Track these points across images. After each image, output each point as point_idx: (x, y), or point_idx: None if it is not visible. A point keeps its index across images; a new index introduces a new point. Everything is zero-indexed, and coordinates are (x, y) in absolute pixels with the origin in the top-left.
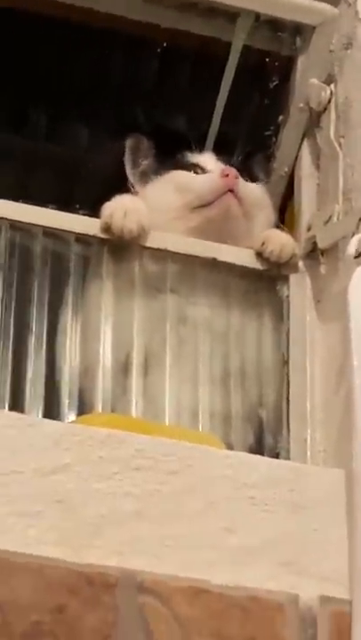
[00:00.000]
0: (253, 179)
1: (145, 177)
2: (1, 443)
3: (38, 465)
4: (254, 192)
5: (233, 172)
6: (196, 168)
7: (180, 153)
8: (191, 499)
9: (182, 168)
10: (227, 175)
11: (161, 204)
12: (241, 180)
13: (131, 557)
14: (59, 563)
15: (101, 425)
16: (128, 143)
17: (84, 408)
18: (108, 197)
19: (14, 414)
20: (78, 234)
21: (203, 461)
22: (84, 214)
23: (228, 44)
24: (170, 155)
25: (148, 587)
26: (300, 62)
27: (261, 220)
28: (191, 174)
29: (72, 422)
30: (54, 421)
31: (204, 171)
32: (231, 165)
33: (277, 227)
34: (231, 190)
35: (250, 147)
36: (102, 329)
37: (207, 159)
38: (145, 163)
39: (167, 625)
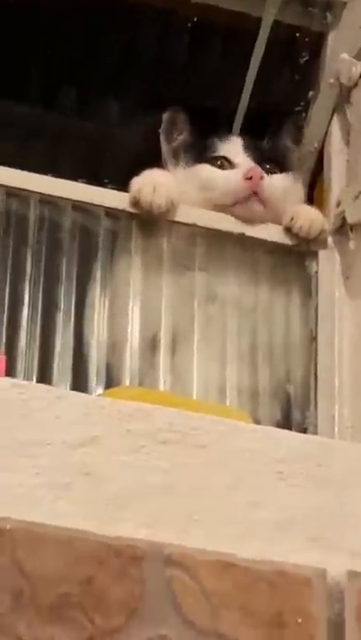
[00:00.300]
0: (282, 158)
1: (178, 154)
2: (29, 414)
3: (66, 437)
4: (280, 187)
5: (257, 172)
6: (222, 160)
7: (211, 132)
8: (219, 473)
9: (209, 161)
10: (250, 178)
11: (186, 198)
12: (266, 180)
13: (158, 530)
14: (87, 535)
15: (129, 398)
16: (166, 116)
17: (111, 383)
18: (137, 172)
19: (42, 386)
20: (107, 208)
21: (230, 435)
22: (113, 189)
23: (259, 20)
24: (202, 132)
25: (176, 560)
26: (331, 38)
27: (289, 206)
28: (216, 171)
29: (99, 395)
30: (82, 394)
31: (230, 164)
32: (260, 146)
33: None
34: (255, 192)
35: (280, 123)
36: (130, 305)
37: (235, 149)
38: (180, 138)
39: (194, 598)
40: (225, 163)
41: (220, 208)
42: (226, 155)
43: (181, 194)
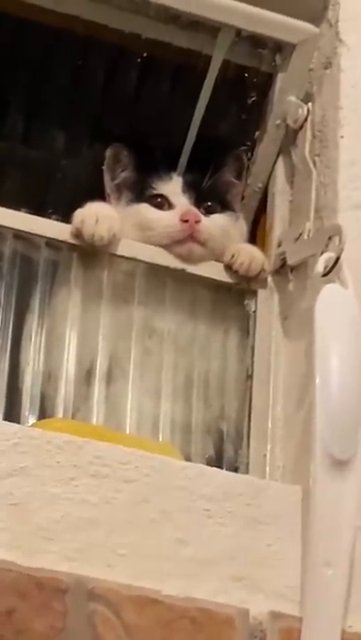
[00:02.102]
0: (224, 196)
1: (120, 190)
2: None
3: None
4: (219, 227)
5: (193, 215)
6: (162, 200)
7: (155, 168)
8: (146, 508)
9: (149, 201)
10: (186, 221)
11: (126, 236)
12: (203, 222)
13: (83, 564)
14: (10, 566)
15: (60, 430)
16: (108, 152)
17: (45, 414)
18: (81, 204)
19: None
20: (49, 238)
21: (160, 471)
22: (56, 220)
23: (209, 58)
24: (146, 168)
25: (99, 594)
26: (280, 79)
27: (230, 244)
28: (154, 211)
29: (31, 426)
30: (13, 424)
31: (169, 205)
32: (202, 184)
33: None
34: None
35: (223, 159)
36: (67, 336)
37: (175, 188)
38: (122, 175)
39: (116, 633)
40: (164, 202)
41: (161, 246)
42: (165, 194)
43: (122, 230)
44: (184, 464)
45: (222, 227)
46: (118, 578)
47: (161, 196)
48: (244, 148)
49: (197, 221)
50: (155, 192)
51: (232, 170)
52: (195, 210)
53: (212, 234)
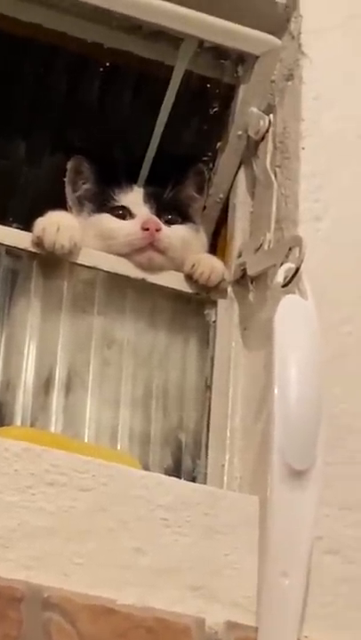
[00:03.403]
0: (185, 208)
1: (82, 201)
2: None
3: None
4: (179, 237)
5: (153, 224)
6: (123, 210)
7: (116, 179)
8: (104, 517)
9: (110, 211)
10: (147, 229)
11: (87, 246)
12: (163, 231)
13: (39, 573)
14: None
15: (19, 438)
16: (70, 164)
17: (3, 423)
18: (42, 213)
19: None
20: (9, 246)
21: (118, 480)
22: (17, 228)
23: (171, 68)
24: (107, 179)
25: (54, 603)
26: (241, 90)
27: (191, 255)
28: (115, 221)
29: None
30: None
31: (130, 215)
32: (163, 195)
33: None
34: (152, 243)
35: (185, 172)
36: (26, 344)
37: (136, 199)
38: (84, 186)
39: None
40: (125, 213)
41: (121, 255)
42: (126, 205)
43: (83, 239)
44: (142, 473)
45: (183, 237)
46: (74, 587)
47: (122, 207)
48: (205, 158)
49: (158, 230)
50: (116, 203)
51: (193, 184)
52: (155, 218)
53: (173, 243)
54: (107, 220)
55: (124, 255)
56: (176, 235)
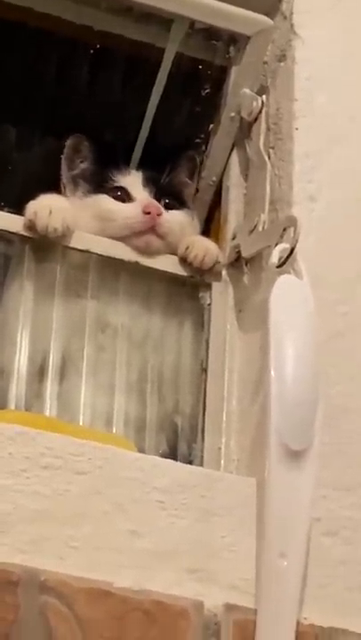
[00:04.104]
0: (180, 194)
1: (77, 180)
2: None
3: None
4: (178, 222)
5: (155, 208)
6: (122, 192)
7: (112, 162)
8: (99, 500)
9: (109, 192)
10: (148, 213)
11: (84, 228)
12: (163, 216)
13: (35, 556)
14: None
15: (13, 421)
16: (69, 142)
17: None
18: (33, 197)
19: None
20: (1, 230)
21: (113, 463)
22: (9, 212)
23: (162, 51)
24: (104, 162)
25: (51, 586)
26: (234, 72)
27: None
28: (115, 203)
29: None
30: None
31: (129, 197)
32: (159, 180)
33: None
34: (153, 226)
35: (178, 157)
36: (19, 330)
37: (134, 182)
38: (82, 166)
39: (68, 625)
40: (124, 195)
41: (116, 238)
42: (125, 187)
43: (77, 222)
44: (137, 455)
45: (181, 223)
46: (70, 570)
47: (121, 188)
48: (198, 141)
49: (159, 214)
50: (115, 184)
51: (185, 170)
52: (157, 203)
53: (172, 228)
54: (105, 202)
55: (119, 238)
56: (175, 220)
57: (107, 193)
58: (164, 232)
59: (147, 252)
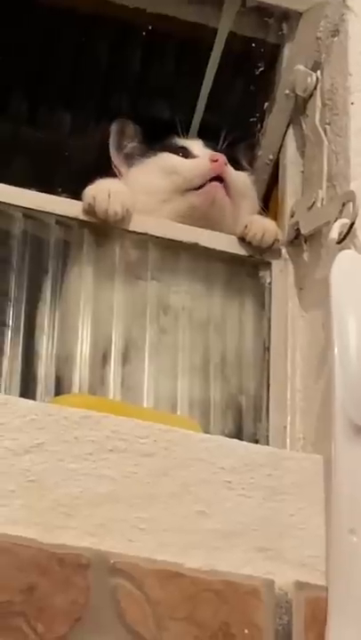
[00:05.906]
0: (238, 167)
1: (130, 159)
2: None
3: (12, 444)
4: (241, 180)
5: (222, 158)
6: (184, 151)
7: (166, 138)
8: (166, 481)
9: (170, 151)
10: (216, 160)
11: (147, 187)
12: (229, 167)
13: (104, 539)
14: (30, 542)
15: (77, 405)
16: (114, 126)
17: (61, 393)
18: (89, 183)
19: None
20: (59, 216)
21: (179, 444)
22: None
23: (214, 31)
24: (155, 141)
25: (121, 569)
26: (287, 49)
27: (246, 208)
28: (180, 158)
29: (47, 402)
30: (29, 400)
31: (191, 155)
32: (219, 150)
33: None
34: (219, 177)
35: (235, 134)
36: (81, 315)
37: (195, 144)
38: (130, 145)
39: (139, 607)
40: (187, 154)
41: (183, 199)
42: (187, 147)
43: (138, 192)
44: (203, 436)
45: (244, 182)
46: (140, 552)
47: (183, 148)
48: (253, 120)
49: (226, 164)
50: (177, 145)
51: (244, 157)
52: (222, 155)
53: (237, 183)
54: (171, 157)
55: (185, 195)
56: (239, 177)
57: (168, 152)
58: (231, 182)
59: (212, 205)
